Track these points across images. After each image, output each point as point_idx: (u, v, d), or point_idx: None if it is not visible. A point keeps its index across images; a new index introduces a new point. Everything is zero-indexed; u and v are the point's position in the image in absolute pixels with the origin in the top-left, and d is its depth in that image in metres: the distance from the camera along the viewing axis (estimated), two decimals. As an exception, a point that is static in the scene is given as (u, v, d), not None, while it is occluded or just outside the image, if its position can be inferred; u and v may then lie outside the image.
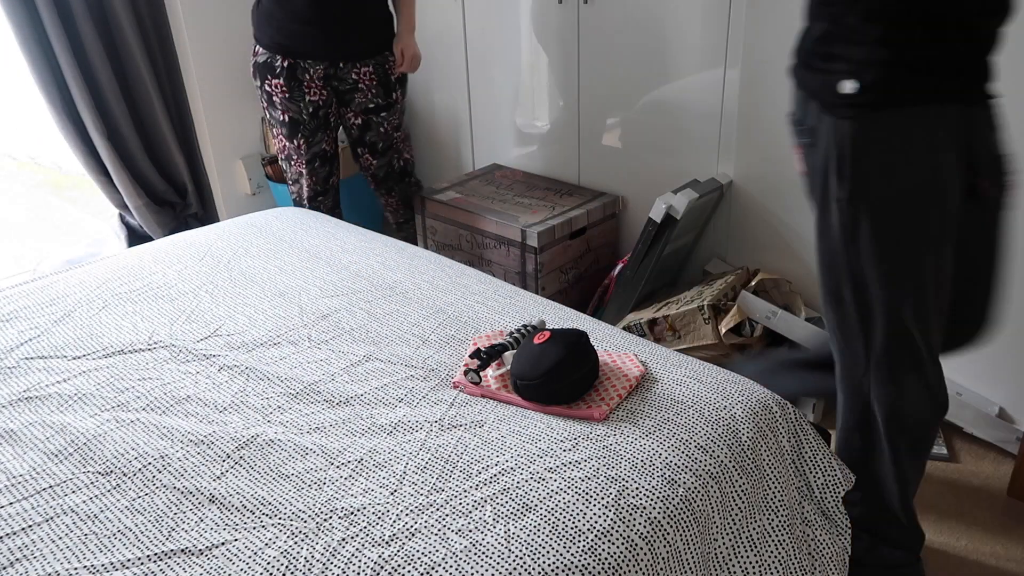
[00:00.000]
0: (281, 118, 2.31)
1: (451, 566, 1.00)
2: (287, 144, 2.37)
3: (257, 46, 2.27)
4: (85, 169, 2.79)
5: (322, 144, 2.41)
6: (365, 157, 2.49)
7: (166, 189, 2.93)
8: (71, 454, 1.24)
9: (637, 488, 1.12)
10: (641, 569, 1.03)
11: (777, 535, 1.25)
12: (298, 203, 2.53)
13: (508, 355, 1.39)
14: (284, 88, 2.25)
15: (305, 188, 2.46)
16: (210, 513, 1.12)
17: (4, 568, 1.04)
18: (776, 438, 1.30)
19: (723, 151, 2.29)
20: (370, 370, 1.44)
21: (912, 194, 1.19)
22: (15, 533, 1.10)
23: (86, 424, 1.30)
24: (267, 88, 2.27)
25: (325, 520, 1.09)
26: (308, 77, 2.27)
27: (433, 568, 1.00)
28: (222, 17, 2.87)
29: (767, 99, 2.13)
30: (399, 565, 1.01)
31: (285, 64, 2.23)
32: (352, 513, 1.10)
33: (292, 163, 2.42)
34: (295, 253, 1.91)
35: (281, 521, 1.09)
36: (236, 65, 2.96)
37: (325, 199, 2.52)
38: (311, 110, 2.32)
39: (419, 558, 1.01)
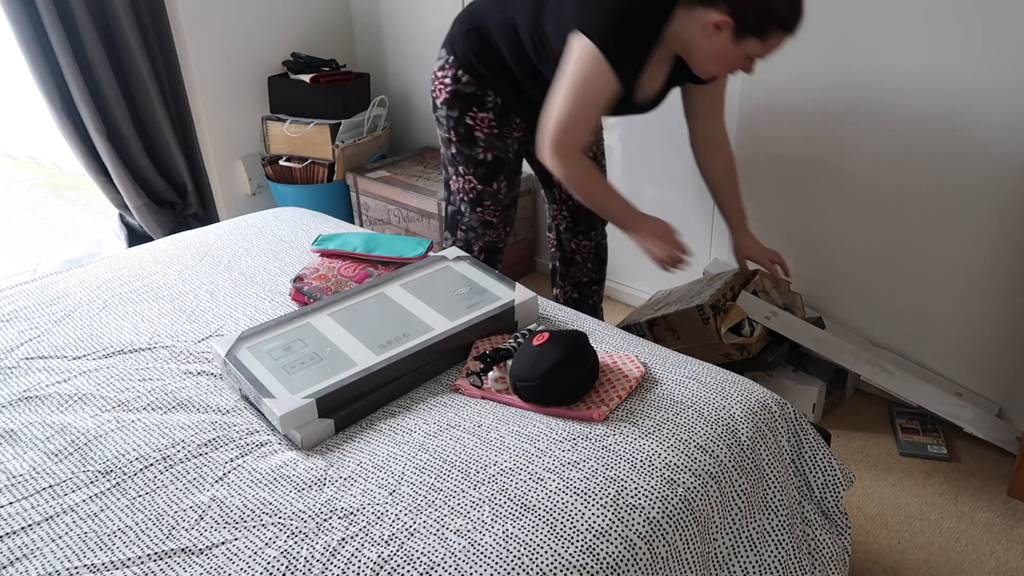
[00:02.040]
0: (481, 156, 1.91)
1: (450, 566, 1.00)
2: (479, 187, 1.94)
3: (462, 72, 1.84)
4: (85, 169, 2.79)
5: (519, 187, 2.04)
6: (560, 189, 2.08)
7: (166, 189, 2.93)
8: (71, 454, 1.24)
9: (636, 488, 1.12)
10: (640, 568, 1.03)
11: (777, 535, 1.25)
12: (468, 252, 2.05)
13: (511, 362, 1.39)
14: (494, 124, 1.88)
15: (485, 238, 2.02)
16: (210, 513, 1.12)
17: (4, 567, 1.04)
18: (776, 438, 1.30)
19: (723, 151, 2.29)
20: (370, 370, 1.44)
21: None
22: (15, 532, 1.10)
23: (86, 424, 1.30)
24: (468, 121, 1.87)
25: (325, 520, 1.09)
26: (517, 121, 1.92)
27: (432, 568, 1.00)
28: (222, 17, 2.87)
29: (768, 98, 2.13)
30: (399, 565, 1.01)
31: (499, 100, 1.86)
32: (352, 513, 1.10)
33: (479, 210, 1.98)
34: (295, 253, 1.91)
35: (281, 521, 1.10)
36: (236, 65, 2.96)
37: (503, 254, 2.10)
38: (517, 147, 1.95)
39: (418, 557, 1.02)
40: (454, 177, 1.98)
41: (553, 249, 2.22)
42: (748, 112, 2.18)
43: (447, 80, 1.86)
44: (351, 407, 1.31)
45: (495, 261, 2.08)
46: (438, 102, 1.91)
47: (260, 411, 1.31)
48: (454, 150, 1.94)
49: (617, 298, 2.79)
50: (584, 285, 2.21)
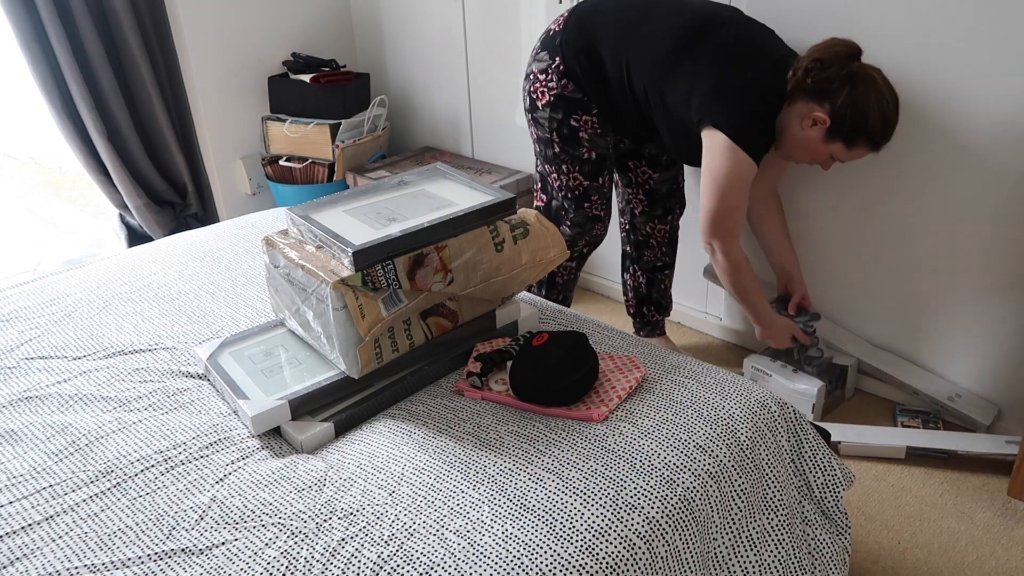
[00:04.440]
0: (586, 156, 1.97)
1: (450, 566, 1.00)
2: (586, 183, 2.00)
3: (567, 81, 1.90)
4: (85, 169, 2.79)
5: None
6: (642, 170, 2.12)
7: (166, 189, 2.93)
8: (72, 454, 1.24)
9: (635, 488, 1.12)
10: (639, 568, 1.03)
11: (777, 534, 1.25)
12: (572, 249, 2.10)
13: (511, 363, 1.39)
14: (597, 126, 1.94)
15: (592, 232, 2.08)
16: (210, 513, 1.12)
17: (5, 567, 1.04)
18: (775, 438, 1.30)
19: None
20: (370, 370, 1.44)
21: None
22: (15, 532, 1.10)
23: (87, 424, 1.30)
24: (572, 123, 1.93)
25: (325, 520, 1.09)
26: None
27: (432, 568, 1.00)
28: (222, 17, 2.87)
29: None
30: (398, 565, 1.01)
31: (602, 109, 1.94)
32: (352, 514, 1.10)
33: (586, 206, 2.03)
34: (295, 253, 1.91)
35: (281, 521, 1.10)
36: (236, 65, 2.96)
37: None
38: (614, 143, 2.05)
39: (418, 558, 1.02)
40: (555, 175, 2.03)
41: (624, 234, 2.27)
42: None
43: (552, 84, 1.91)
44: (352, 410, 1.32)
45: (592, 251, 2.15)
46: (540, 104, 1.95)
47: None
48: (556, 149, 1.98)
49: (617, 298, 2.79)
50: (657, 270, 2.27)
